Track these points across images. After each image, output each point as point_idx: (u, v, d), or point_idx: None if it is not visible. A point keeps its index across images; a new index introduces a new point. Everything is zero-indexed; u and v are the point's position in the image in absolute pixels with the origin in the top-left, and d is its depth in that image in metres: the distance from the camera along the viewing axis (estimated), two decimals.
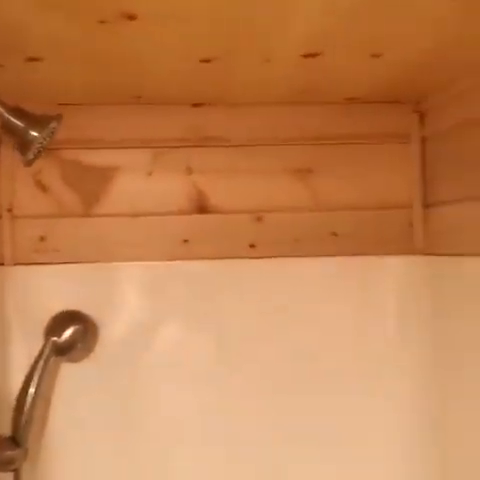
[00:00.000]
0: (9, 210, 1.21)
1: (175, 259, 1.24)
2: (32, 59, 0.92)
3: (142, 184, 1.25)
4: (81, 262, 1.22)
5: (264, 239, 1.26)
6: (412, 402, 1.28)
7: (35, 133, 0.91)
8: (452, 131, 1.20)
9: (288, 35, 0.86)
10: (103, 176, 1.24)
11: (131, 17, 0.78)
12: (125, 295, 1.24)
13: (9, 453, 1.05)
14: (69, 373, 1.19)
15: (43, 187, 1.22)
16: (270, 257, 1.26)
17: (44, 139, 0.93)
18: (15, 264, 1.20)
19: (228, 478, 1.24)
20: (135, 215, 1.24)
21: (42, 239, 1.22)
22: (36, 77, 1.02)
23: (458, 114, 1.17)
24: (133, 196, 1.24)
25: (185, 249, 1.25)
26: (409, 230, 1.30)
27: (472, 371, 1.10)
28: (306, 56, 0.95)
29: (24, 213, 1.22)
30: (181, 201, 1.26)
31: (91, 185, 1.24)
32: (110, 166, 1.24)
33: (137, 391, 1.22)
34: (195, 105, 1.24)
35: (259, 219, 1.26)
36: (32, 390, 1.08)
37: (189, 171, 1.25)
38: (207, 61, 0.94)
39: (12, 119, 0.91)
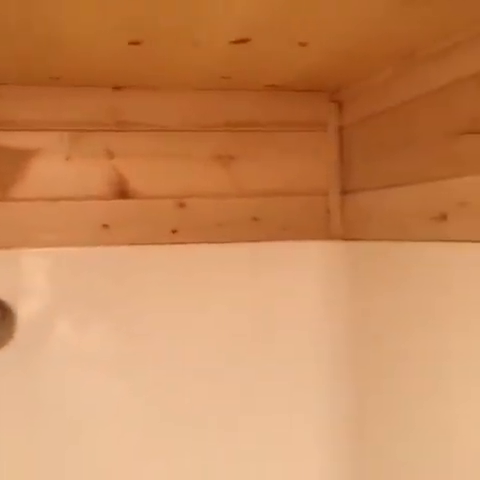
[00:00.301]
0: None
1: (94, 245, 1.22)
2: None
3: (60, 168, 1.21)
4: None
5: (186, 225, 1.26)
6: (329, 388, 1.31)
7: None
8: (368, 121, 1.24)
9: (218, 20, 0.85)
10: (19, 159, 1.19)
11: None
12: (42, 281, 1.20)
13: None
14: None
15: None
16: (192, 243, 1.26)
17: None
18: None
19: (142, 467, 1.24)
20: (53, 199, 1.20)
21: None
22: None
23: (374, 104, 1.21)
24: (51, 180, 1.20)
25: (105, 235, 1.22)
26: (327, 216, 1.34)
27: (389, 354, 1.15)
28: (236, 42, 0.95)
29: None
30: (101, 186, 1.23)
31: (6, 168, 1.19)
32: (27, 149, 1.19)
33: (47, 379, 1.19)
34: (116, 88, 1.21)
35: (181, 205, 1.26)
36: None
37: (109, 155, 1.23)
38: (136, 43, 0.92)
39: None
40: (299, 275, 1.31)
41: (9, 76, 1.12)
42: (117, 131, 1.23)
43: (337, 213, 1.34)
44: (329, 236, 1.33)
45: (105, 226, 1.22)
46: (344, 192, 1.33)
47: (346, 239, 1.32)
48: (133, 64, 1.04)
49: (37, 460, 1.19)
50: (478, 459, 0.90)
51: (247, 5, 0.80)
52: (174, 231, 1.25)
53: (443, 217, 1.01)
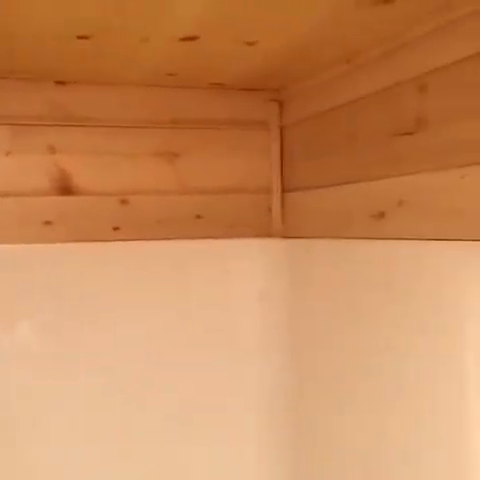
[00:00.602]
0: None
1: (35, 242, 1.19)
2: None
3: (1, 163, 1.18)
4: None
5: (128, 222, 1.25)
6: (270, 384, 1.33)
7: None
8: (310, 120, 1.27)
9: (166, 17, 0.86)
10: None
11: None
12: None
13: None
14: None
15: None
16: (134, 240, 1.25)
17: None
18: None
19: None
20: None
21: None
22: None
23: (316, 104, 1.24)
24: None
25: (46, 231, 1.20)
26: (268, 214, 1.36)
27: (326, 350, 1.18)
28: (184, 39, 0.95)
29: None
30: (42, 182, 1.21)
31: None
32: None
33: None
34: (61, 82, 1.20)
35: (124, 201, 1.25)
36: None
37: (51, 151, 1.21)
38: (85, 38, 0.92)
39: None
40: (239, 272, 1.33)
41: None
42: (60, 126, 1.21)
43: (278, 211, 1.36)
44: (270, 234, 1.35)
45: (47, 223, 1.20)
46: (286, 190, 1.36)
47: (286, 237, 1.34)
48: (80, 58, 1.03)
49: None
50: (406, 432, 0.94)
51: (196, 3, 0.80)
52: (116, 228, 1.25)
53: (381, 215, 1.04)
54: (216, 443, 1.31)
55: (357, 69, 1.09)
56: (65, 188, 1.21)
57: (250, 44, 0.99)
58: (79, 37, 0.91)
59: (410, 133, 0.97)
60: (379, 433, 1.02)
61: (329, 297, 1.16)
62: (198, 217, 1.30)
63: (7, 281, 1.17)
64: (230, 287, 1.32)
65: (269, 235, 1.35)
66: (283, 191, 1.36)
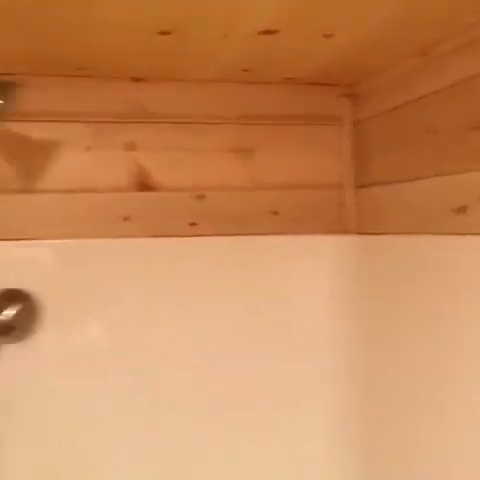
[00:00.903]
0: None
1: (114, 237, 1.22)
2: None
3: (81, 160, 1.21)
4: (23, 239, 1.17)
5: (205, 217, 1.27)
6: (339, 380, 1.32)
7: None
8: (385, 115, 1.25)
9: (248, 9, 0.86)
10: (40, 150, 1.20)
11: None
12: (61, 273, 1.20)
13: None
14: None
15: None
16: (210, 235, 1.27)
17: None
18: None
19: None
20: (73, 191, 1.21)
21: None
22: None
23: (391, 98, 1.22)
24: (71, 172, 1.21)
25: (125, 226, 1.23)
26: (342, 210, 1.35)
27: (398, 350, 1.16)
28: (263, 33, 0.96)
29: None
30: (121, 178, 1.23)
31: (27, 159, 1.19)
32: (48, 140, 1.20)
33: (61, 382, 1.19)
34: (137, 79, 1.22)
35: (200, 197, 1.26)
36: None
37: (130, 147, 1.23)
38: (166, 33, 0.93)
39: None
40: (312, 268, 1.32)
41: (34, 65, 1.12)
42: (138, 123, 1.23)
43: (352, 207, 1.35)
44: (344, 230, 1.34)
45: (126, 218, 1.23)
46: (359, 186, 1.35)
47: (361, 233, 1.33)
48: (159, 55, 1.05)
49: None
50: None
51: None
52: (193, 224, 1.26)
53: (463, 210, 1.02)
54: (285, 440, 1.30)
55: (432, 62, 1.08)
56: (143, 184, 1.24)
57: (327, 36, 0.99)
58: (160, 33, 0.93)
59: None
60: (454, 432, 1.00)
61: (404, 296, 1.14)
62: (274, 213, 1.30)
63: (83, 275, 1.20)
64: (302, 283, 1.32)
65: (343, 231, 1.34)
66: (357, 186, 1.35)
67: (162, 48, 1.01)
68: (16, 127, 1.18)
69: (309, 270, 1.32)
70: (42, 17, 0.86)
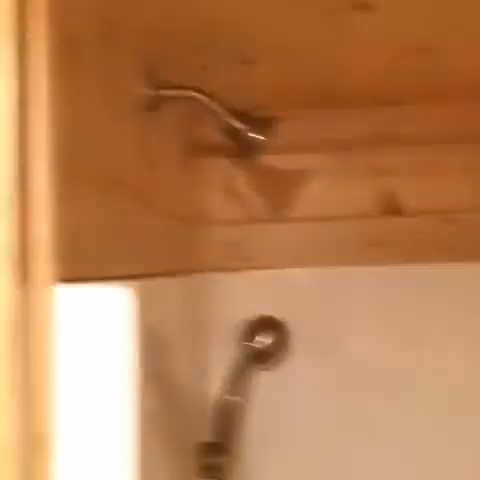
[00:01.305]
0: (201, 217, 1.21)
1: (365, 264, 1.20)
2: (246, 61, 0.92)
3: (329, 187, 1.22)
4: (274, 268, 1.20)
5: (460, 242, 1.20)
6: None
7: (260, 136, 0.88)
8: None
9: None
10: (288, 180, 1.22)
11: (364, 7, 0.75)
12: (316, 300, 1.20)
13: (217, 459, 1.02)
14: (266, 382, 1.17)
15: (234, 193, 1.22)
16: (465, 261, 1.19)
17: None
18: (209, 270, 1.20)
19: None
20: (324, 219, 1.21)
21: (235, 245, 1.21)
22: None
23: None
24: (320, 199, 1.22)
25: (375, 253, 1.20)
26: None
27: None
28: None
29: (217, 219, 1.22)
30: (369, 203, 1.22)
31: (277, 190, 1.23)
32: (295, 170, 1.22)
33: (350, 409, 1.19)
34: (383, 103, 1.19)
35: (452, 221, 1.20)
36: (237, 397, 1.06)
37: (377, 172, 1.21)
38: (424, 50, 0.90)
39: (234, 122, 0.88)
40: None
41: (290, 99, 1.14)
42: (385, 147, 1.21)
43: None
44: None
45: (374, 244, 1.20)
46: None
47: None
48: (414, 75, 1.02)
49: None
50: None
51: None
52: (447, 249, 1.20)
53: None
54: None
55: None
56: (392, 208, 1.20)
57: None
58: (419, 50, 0.90)
59: None
60: None
61: None
62: None
63: (340, 302, 1.20)
64: None
65: None
66: None
67: (416, 68, 0.98)
68: (268, 159, 1.22)
69: None
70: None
